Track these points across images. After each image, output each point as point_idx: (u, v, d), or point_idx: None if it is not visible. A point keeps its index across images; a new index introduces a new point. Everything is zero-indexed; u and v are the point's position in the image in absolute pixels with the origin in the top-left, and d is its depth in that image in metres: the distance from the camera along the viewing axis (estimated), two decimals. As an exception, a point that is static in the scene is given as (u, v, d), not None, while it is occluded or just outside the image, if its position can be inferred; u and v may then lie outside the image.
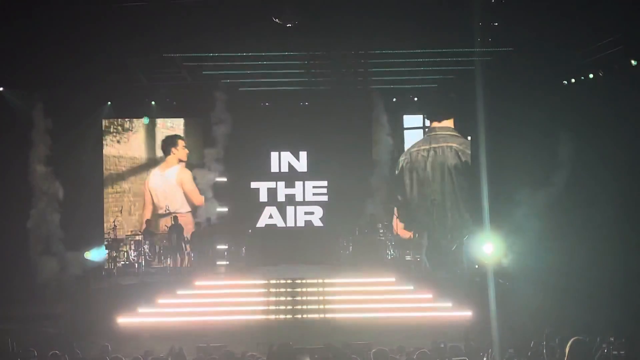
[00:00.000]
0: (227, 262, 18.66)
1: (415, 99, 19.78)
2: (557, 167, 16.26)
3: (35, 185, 17.31)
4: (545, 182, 16.24)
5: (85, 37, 14.80)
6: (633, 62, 14.95)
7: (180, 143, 20.04)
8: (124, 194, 19.92)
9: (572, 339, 5.46)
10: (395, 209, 20.11)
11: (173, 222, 18.06)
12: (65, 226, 17.47)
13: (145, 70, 18.02)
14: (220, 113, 18.47)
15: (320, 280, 16.85)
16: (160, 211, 19.88)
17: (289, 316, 16.16)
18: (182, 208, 19.78)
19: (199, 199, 19.77)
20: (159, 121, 20.16)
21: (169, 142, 20.09)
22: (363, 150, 20.17)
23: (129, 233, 19.35)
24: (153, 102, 19.44)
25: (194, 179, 19.72)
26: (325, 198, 20.29)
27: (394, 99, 19.70)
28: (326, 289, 16.69)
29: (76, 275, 16.56)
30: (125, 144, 20.01)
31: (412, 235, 19.28)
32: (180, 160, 20.03)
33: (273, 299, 16.57)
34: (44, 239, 17.12)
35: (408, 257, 18.60)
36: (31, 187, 17.32)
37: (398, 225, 19.91)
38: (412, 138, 20.55)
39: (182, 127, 20.27)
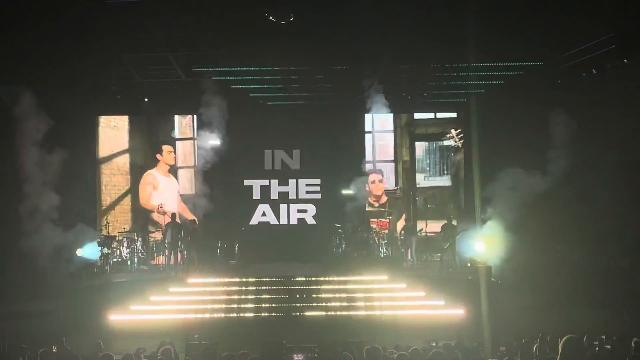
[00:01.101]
0: (220, 260, 18.64)
1: (409, 97, 19.78)
2: (553, 155, 16.18)
3: (28, 177, 17.09)
4: (541, 173, 16.19)
5: (79, 33, 14.75)
6: (625, 61, 15.03)
7: (165, 149, 20.24)
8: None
9: (565, 337, 5.48)
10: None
11: (170, 220, 18.06)
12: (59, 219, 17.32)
13: (138, 67, 17.95)
14: (213, 111, 18.41)
15: (313, 278, 16.85)
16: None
17: (281, 314, 16.15)
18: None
19: (145, 202, 20.02)
20: (102, 119, 20.12)
21: (155, 150, 20.30)
22: (356, 149, 20.21)
23: (122, 230, 19.34)
24: (146, 99, 19.38)
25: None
26: (318, 196, 20.33)
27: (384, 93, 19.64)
28: (319, 286, 16.69)
29: (68, 271, 16.46)
30: None
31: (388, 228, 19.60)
32: (168, 165, 20.21)
33: (266, 296, 16.58)
34: (36, 229, 16.95)
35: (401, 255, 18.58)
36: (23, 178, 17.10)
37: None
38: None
39: (126, 125, 20.26)
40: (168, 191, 20.23)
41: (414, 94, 19.42)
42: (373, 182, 20.62)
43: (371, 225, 19.69)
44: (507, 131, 17.77)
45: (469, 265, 17.21)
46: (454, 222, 19.12)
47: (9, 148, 16.86)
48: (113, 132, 20.15)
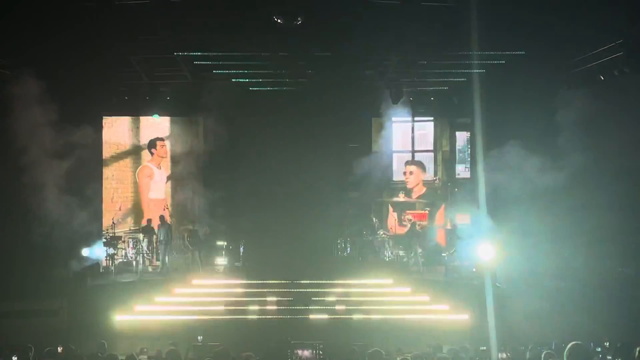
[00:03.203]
0: (225, 261, 18.64)
1: (411, 98, 19.69)
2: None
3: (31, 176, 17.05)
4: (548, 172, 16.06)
5: (87, 33, 14.77)
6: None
7: (159, 144, 20.51)
8: (106, 180, 19.90)
9: (570, 343, 5.47)
10: (390, 206, 20.26)
11: (159, 222, 18.07)
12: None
13: (146, 68, 17.98)
14: (221, 111, 18.43)
15: (317, 281, 16.84)
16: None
17: (286, 316, 16.17)
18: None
19: (145, 194, 20.38)
20: None
21: (150, 144, 20.57)
22: (363, 151, 20.18)
23: (128, 230, 19.37)
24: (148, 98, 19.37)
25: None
26: (325, 198, 20.20)
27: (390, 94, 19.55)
28: (323, 289, 16.69)
29: (74, 271, 16.50)
30: (109, 129, 20.06)
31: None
32: (161, 158, 20.50)
33: (270, 298, 16.57)
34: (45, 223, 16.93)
35: (405, 259, 18.54)
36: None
37: (393, 223, 20.15)
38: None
39: (168, 124, 20.47)
40: (160, 181, 20.61)
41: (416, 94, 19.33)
42: (404, 173, 20.57)
43: (411, 218, 19.47)
44: (512, 136, 17.66)
45: (473, 270, 17.18)
46: (459, 228, 19.05)
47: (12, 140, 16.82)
48: (153, 124, 20.43)
